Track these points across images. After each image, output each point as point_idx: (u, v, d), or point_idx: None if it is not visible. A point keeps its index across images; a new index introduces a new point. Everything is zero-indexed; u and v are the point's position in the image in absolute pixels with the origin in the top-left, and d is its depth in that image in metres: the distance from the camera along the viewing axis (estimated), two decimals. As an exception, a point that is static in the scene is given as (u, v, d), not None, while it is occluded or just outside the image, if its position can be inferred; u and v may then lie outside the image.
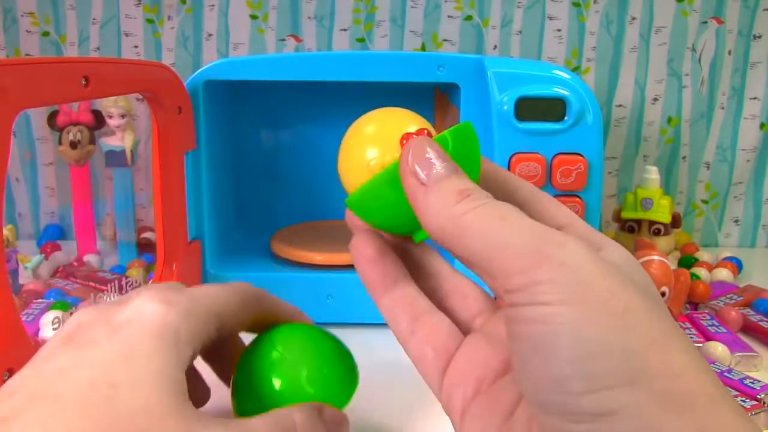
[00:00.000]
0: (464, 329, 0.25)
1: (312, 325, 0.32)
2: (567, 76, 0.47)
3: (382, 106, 0.27)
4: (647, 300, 0.19)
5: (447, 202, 0.21)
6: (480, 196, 0.21)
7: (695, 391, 0.17)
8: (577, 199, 0.47)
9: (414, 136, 0.24)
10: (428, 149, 0.22)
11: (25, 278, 0.58)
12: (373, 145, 0.25)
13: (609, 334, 0.17)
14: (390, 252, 0.26)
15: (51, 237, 0.71)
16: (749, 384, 0.40)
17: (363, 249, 0.25)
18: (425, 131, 0.24)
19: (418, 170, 0.22)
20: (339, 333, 0.32)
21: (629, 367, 0.17)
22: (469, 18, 0.72)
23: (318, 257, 0.53)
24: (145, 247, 0.66)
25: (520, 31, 0.72)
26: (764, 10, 0.72)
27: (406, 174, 0.22)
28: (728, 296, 0.57)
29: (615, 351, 0.17)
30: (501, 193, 0.24)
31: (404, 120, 0.25)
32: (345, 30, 0.71)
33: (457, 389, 0.23)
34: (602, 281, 0.18)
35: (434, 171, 0.21)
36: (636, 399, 0.17)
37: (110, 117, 0.63)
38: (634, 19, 0.72)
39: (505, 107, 0.46)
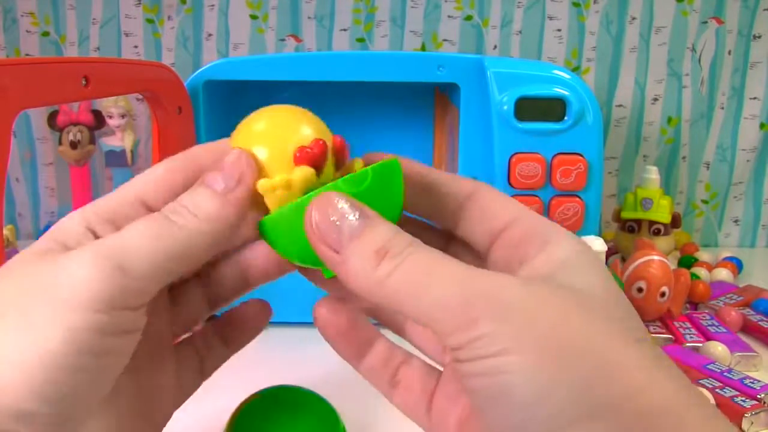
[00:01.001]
0: (439, 361, 0.26)
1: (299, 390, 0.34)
2: (567, 76, 0.47)
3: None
4: (593, 315, 0.18)
5: (366, 268, 0.19)
6: (399, 250, 0.19)
7: (660, 404, 0.17)
8: (577, 199, 0.47)
9: (308, 150, 0.22)
10: (334, 205, 0.20)
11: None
12: (263, 159, 0.22)
13: (558, 371, 0.17)
14: (360, 315, 0.24)
15: (51, 237, 0.71)
16: (749, 384, 0.40)
17: (332, 320, 0.24)
18: (321, 141, 0.22)
19: (328, 238, 0.20)
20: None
21: (585, 400, 0.17)
22: (469, 18, 0.72)
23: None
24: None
25: (520, 31, 0.72)
26: (764, 10, 0.72)
27: (316, 242, 0.20)
28: (728, 296, 0.57)
29: (567, 387, 0.17)
30: (437, 200, 0.23)
31: (296, 125, 0.23)
32: (345, 30, 0.71)
33: (440, 428, 0.23)
34: (542, 315, 0.18)
35: (345, 232, 0.19)
36: (599, 431, 0.17)
37: (110, 117, 0.63)
38: (634, 19, 0.72)
39: (505, 107, 0.46)
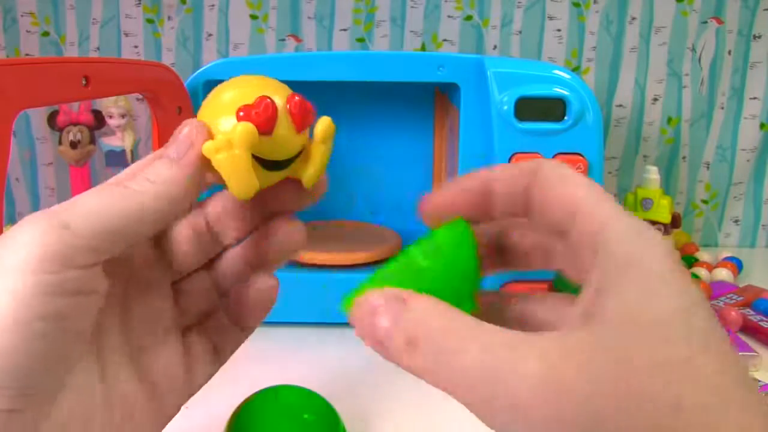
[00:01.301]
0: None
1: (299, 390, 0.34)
2: (567, 76, 0.47)
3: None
4: (642, 376, 0.15)
5: (401, 357, 0.18)
6: (428, 334, 0.18)
7: None
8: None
9: (250, 107, 0.22)
10: (370, 302, 0.19)
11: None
12: (212, 111, 0.23)
13: None
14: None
15: (51, 237, 0.71)
16: (749, 384, 0.40)
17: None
18: (265, 99, 0.22)
19: (370, 336, 0.19)
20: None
21: None
22: (469, 18, 0.72)
23: (319, 257, 0.53)
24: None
25: (520, 31, 0.72)
26: (764, 10, 0.72)
27: (366, 341, 0.19)
28: (728, 296, 0.57)
29: None
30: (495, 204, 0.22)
31: (248, 90, 0.23)
32: (345, 30, 0.71)
33: None
34: (578, 389, 0.15)
35: (379, 327, 0.19)
36: None
37: (110, 117, 0.63)
38: (634, 19, 0.72)
39: (505, 107, 0.46)
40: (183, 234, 0.25)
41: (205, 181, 0.23)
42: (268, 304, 0.27)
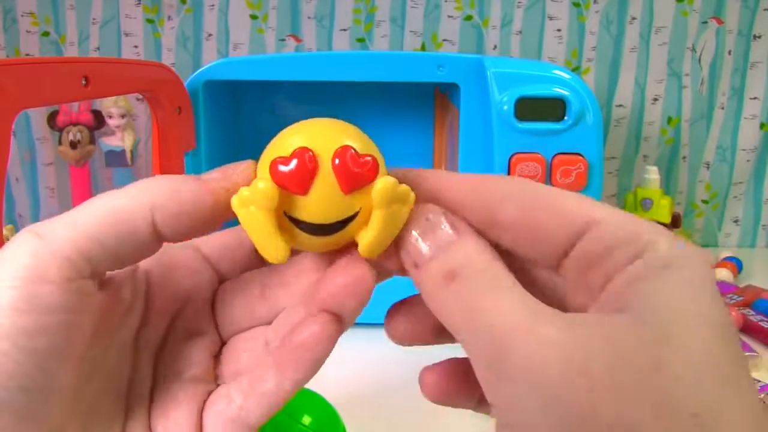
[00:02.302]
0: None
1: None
2: (567, 76, 0.47)
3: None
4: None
5: (435, 288, 0.18)
6: (469, 275, 0.18)
7: None
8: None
9: (278, 161, 0.19)
10: (422, 218, 0.19)
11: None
12: (266, 154, 0.19)
13: None
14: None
15: (51, 237, 0.71)
16: (749, 384, 0.40)
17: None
18: (300, 151, 0.19)
19: (411, 250, 0.19)
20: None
21: None
22: (469, 18, 0.72)
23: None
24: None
25: (520, 31, 0.72)
26: (764, 10, 0.72)
27: (402, 254, 0.19)
28: (728, 296, 0.57)
29: None
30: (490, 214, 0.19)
31: (298, 136, 0.19)
32: (345, 30, 0.71)
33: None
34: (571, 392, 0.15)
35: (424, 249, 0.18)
36: None
37: (110, 117, 0.63)
38: (634, 19, 0.72)
39: (505, 107, 0.46)
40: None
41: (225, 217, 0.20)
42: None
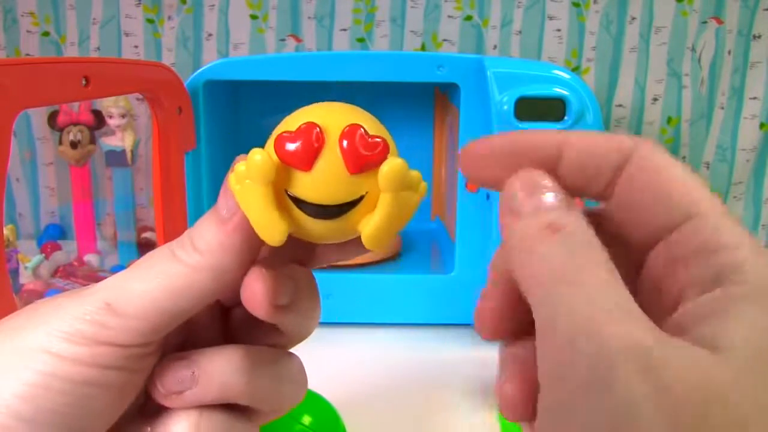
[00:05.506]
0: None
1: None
2: (567, 76, 0.47)
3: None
4: None
5: (530, 238, 0.17)
6: (573, 232, 0.16)
7: None
8: (578, 199, 0.47)
9: (284, 136, 0.18)
10: (537, 180, 0.18)
11: (25, 278, 0.59)
12: (271, 138, 0.19)
13: None
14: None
15: (51, 237, 0.72)
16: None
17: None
18: (305, 126, 0.18)
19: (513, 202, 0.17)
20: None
21: None
22: (469, 18, 0.72)
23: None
24: (145, 247, 0.66)
25: (520, 31, 0.72)
26: (764, 10, 0.72)
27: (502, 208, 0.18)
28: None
29: None
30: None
31: (307, 115, 0.19)
32: (345, 30, 0.71)
33: None
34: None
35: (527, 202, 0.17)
36: None
37: (110, 117, 0.63)
38: (634, 19, 0.72)
39: (505, 107, 0.46)
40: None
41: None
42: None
